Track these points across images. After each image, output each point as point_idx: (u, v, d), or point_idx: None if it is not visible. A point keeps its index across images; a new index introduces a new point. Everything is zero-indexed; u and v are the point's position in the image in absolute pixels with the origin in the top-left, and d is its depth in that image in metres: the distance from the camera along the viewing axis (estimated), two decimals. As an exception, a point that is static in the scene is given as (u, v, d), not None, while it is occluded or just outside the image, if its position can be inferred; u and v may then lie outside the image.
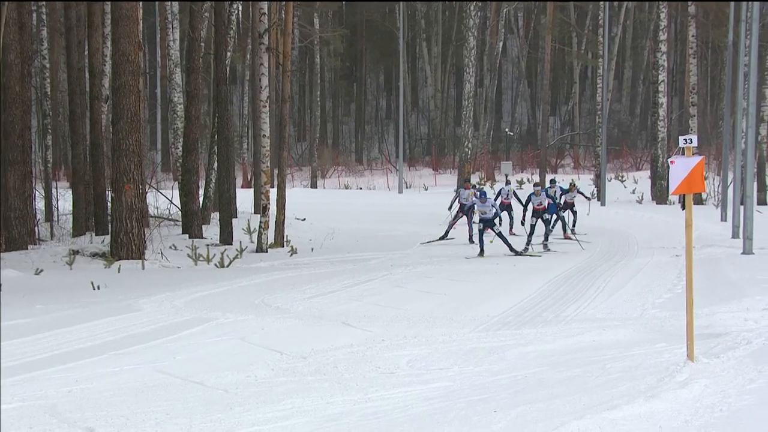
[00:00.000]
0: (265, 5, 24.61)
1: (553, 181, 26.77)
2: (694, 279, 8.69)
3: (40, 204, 27.50)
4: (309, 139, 63.82)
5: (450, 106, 70.97)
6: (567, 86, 71.38)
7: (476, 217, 23.78)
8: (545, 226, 22.72)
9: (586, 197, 27.61)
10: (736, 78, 25.68)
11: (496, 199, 25.44)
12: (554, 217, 24.20)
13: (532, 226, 22.55)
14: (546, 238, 22.64)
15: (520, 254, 20.83)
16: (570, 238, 24.43)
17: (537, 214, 22.72)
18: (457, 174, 48.16)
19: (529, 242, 21.93)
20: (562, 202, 25.81)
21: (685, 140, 8.57)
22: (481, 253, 20.86)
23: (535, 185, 23.69)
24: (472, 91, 45.47)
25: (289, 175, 49.14)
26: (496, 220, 21.13)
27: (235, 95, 61.78)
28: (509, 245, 20.94)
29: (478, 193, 22.11)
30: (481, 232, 21.15)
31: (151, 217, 26.60)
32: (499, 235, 20.93)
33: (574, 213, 26.50)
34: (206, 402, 7.97)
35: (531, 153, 62.10)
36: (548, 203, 23.02)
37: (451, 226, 25.35)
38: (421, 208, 34.82)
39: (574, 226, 26.14)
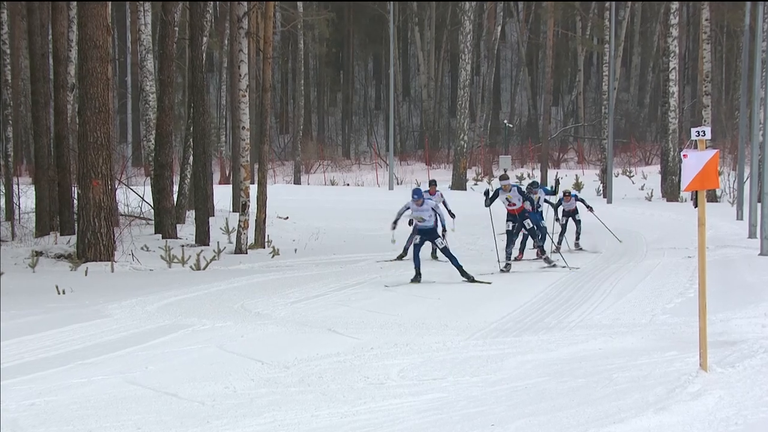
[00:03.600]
0: (244, -14, 24.59)
1: (534, 184, 22.53)
2: (707, 282, 8.72)
3: (0, 201, 27.41)
4: (292, 131, 63.79)
5: (444, 96, 71.07)
6: (570, 74, 71.56)
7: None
8: (531, 236, 19.75)
9: (587, 206, 23.38)
10: (753, 65, 25.75)
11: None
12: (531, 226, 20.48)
13: (509, 233, 19.13)
14: (542, 250, 19.77)
15: (473, 280, 16.75)
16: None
17: (512, 218, 19.12)
18: (452, 169, 48.27)
19: (508, 256, 18.87)
20: (560, 212, 23.19)
21: (698, 132, 8.59)
22: (417, 277, 16.89)
23: (501, 178, 19.76)
24: (468, 80, 45.57)
25: (270, 171, 49.11)
26: (441, 230, 18.19)
27: (212, 84, 61.71)
28: (459, 267, 16.85)
29: (415, 194, 17.49)
30: (417, 247, 17.22)
31: (121, 215, 26.54)
32: (444, 251, 17.13)
33: (578, 222, 23.17)
34: (181, 415, 7.96)
35: (532, 146, 62.22)
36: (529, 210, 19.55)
37: (410, 241, 20.62)
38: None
39: (577, 239, 23.23)
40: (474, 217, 25.83)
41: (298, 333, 11.84)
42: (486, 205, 19.17)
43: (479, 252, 21.95)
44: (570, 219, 23.20)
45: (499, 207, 19.73)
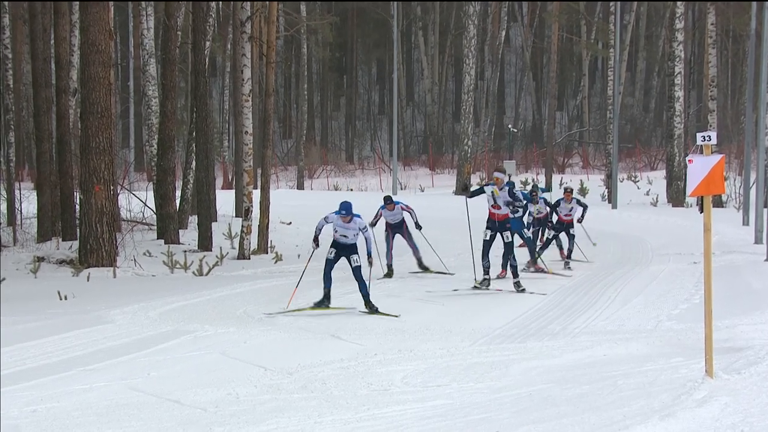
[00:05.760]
0: (247, -10, 24.61)
1: (534, 188, 20.79)
2: (713, 288, 8.71)
3: (1, 206, 27.44)
4: (295, 136, 63.81)
5: (448, 101, 71.01)
6: (575, 79, 71.49)
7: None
8: (506, 252, 16.94)
9: (582, 214, 21.13)
10: (759, 69, 25.74)
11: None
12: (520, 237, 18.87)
13: (486, 243, 16.42)
14: (515, 272, 16.56)
15: (376, 312, 13.94)
16: (542, 270, 19.08)
17: (491, 224, 16.46)
18: (456, 174, 48.27)
19: (486, 269, 16.34)
20: (554, 219, 20.96)
21: (704, 137, 8.59)
22: (324, 300, 14.26)
23: (496, 169, 17.19)
24: (472, 84, 45.54)
25: (273, 176, 49.12)
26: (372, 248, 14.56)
27: (215, 88, 61.71)
28: (366, 296, 14.17)
29: (343, 209, 14.34)
30: (329, 263, 14.39)
31: (123, 220, 26.55)
32: (356, 271, 14.26)
33: (571, 237, 20.59)
34: (183, 422, 7.96)
35: (536, 151, 62.21)
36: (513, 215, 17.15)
37: (390, 254, 19.48)
38: (418, 211, 34.84)
39: (569, 256, 20.60)
40: (474, 221, 25.75)
41: (302, 339, 11.85)
42: (468, 196, 16.45)
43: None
44: (564, 233, 20.73)
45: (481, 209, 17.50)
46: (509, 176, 32.60)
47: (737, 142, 47.11)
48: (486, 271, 16.37)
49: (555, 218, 20.91)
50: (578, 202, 21.00)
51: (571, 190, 21.35)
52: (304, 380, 9.41)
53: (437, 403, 8.39)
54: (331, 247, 14.54)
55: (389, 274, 19.14)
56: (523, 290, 16.14)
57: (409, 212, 19.45)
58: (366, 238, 14.24)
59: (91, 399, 8.78)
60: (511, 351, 10.71)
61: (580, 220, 21.06)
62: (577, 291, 16.19)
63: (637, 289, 15.96)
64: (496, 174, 16.59)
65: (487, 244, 16.39)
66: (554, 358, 10.21)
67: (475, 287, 16.23)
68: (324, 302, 14.22)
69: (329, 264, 14.36)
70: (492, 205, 16.34)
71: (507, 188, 16.24)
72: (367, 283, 14.28)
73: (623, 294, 15.50)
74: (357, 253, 14.31)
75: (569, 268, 19.90)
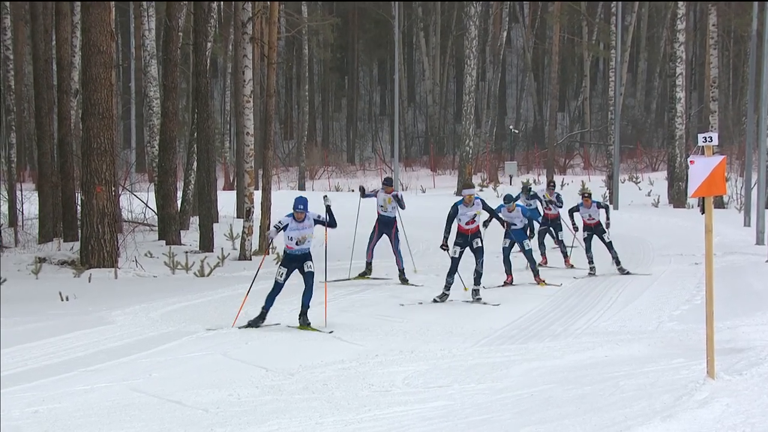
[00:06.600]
0: (248, -9, 24.63)
1: (508, 198, 17.91)
2: (714, 289, 8.71)
3: (3, 207, 27.46)
4: (296, 136, 63.82)
5: (449, 102, 70.97)
6: (576, 80, 71.48)
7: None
8: (476, 257, 15.41)
9: (606, 220, 19.08)
10: (761, 70, 25.72)
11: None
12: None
13: (454, 261, 15.42)
14: (477, 279, 15.36)
15: (307, 326, 12.93)
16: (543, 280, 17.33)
17: (461, 239, 15.43)
18: (458, 175, 48.27)
19: (448, 285, 15.33)
20: (577, 220, 19.46)
21: (705, 138, 8.59)
22: (258, 319, 12.99)
23: (464, 186, 16.58)
24: (473, 85, 45.50)
25: (274, 176, 49.11)
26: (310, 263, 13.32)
27: (216, 89, 61.73)
28: (308, 299, 13.10)
29: (300, 205, 13.00)
30: (278, 286, 13.16)
31: (125, 221, 26.56)
32: (310, 276, 13.18)
33: (608, 245, 18.73)
34: (185, 423, 7.97)
35: (537, 152, 62.19)
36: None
37: (371, 251, 18.55)
38: (419, 211, 34.84)
39: (618, 263, 18.73)
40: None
41: (303, 340, 11.87)
42: (443, 245, 15.43)
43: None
44: (595, 237, 18.84)
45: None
46: (510, 177, 32.59)
47: (738, 143, 47.08)
48: (447, 287, 15.31)
49: (581, 223, 19.31)
50: (598, 204, 19.16)
51: (590, 194, 19.27)
52: (306, 381, 9.41)
53: (439, 404, 8.39)
54: (281, 266, 13.30)
55: (366, 272, 18.41)
56: (479, 299, 15.19)
57: (398, 199, 18.27)
58: (324, 221, 13.35)
59: (92, 400, 8.79)
60: (513, 352, 10.72)
61: (608, 225, 18.99)
62: (578, 292, 16.20)
63: (639, 291, 15.97)
64: (466, 191, 15.65)
65: (455, 262, 15.34)
66: (556, 359, 10.22)
67: (435, 300, 15.31)
68: (257, 322, 12.98)
69: (278, 287, 13.11)
70: (466, 222, 15.36)
71: (478, 201, 15.37)
72: (313, 293, 13.11)
73: (625, 295, 15.51)
74: (311, 260, 13.23)
75: (628, 273, 18.46)
